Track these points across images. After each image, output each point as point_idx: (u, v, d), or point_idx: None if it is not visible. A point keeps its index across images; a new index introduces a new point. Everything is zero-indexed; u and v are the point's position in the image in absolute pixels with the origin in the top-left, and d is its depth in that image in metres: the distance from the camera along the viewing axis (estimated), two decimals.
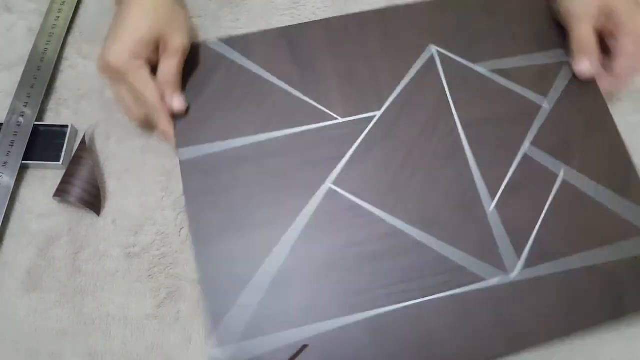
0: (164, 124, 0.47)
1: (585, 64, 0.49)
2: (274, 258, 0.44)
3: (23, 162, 0.49)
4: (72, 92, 0.55)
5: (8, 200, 0.48)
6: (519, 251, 0.45)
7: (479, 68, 0.52)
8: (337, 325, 0.43)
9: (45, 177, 0.50)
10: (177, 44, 0.46)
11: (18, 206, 0.49)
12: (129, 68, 0.45)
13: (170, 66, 0.47)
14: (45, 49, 0.57)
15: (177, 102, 0.47)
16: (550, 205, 0.47)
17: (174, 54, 0.47)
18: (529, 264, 0.45)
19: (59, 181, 0.48)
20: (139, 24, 0.45)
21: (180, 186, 0.49)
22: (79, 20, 0.61)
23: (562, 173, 0.48)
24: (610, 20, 0.48)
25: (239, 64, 0.51)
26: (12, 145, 0.50)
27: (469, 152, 0.48)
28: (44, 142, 0.51)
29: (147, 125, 0.50)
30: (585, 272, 0.44)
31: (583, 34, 0.49)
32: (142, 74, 0.46)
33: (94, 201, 0.48)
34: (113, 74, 0.46)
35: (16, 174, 0.49)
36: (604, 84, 0.51)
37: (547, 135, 0.49)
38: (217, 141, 0.48)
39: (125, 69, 0.45)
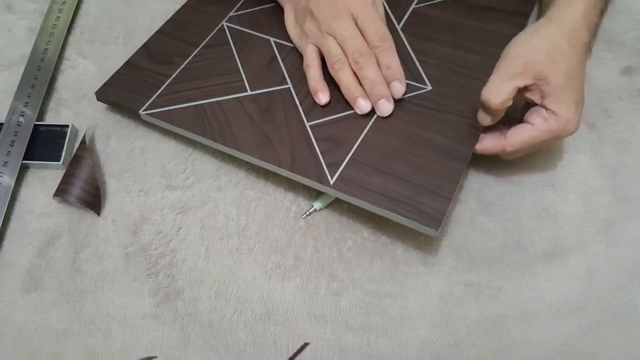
0: None
1: (487, 120, 0.46)
2: None
3: (23, 162, 0.49)
4: (73, 92, 0.56)
5: (8, 200, 0.48)
6: None
7: None
8: None
9: (46, 177, 0.50)
10: None
11: (18, 206, 0.49)
12: None
13: None
14: (46, 49, 0.57)
15: None
16: None
17: None
18: None
19: (59, 181, 0.49)
20: None
21: (180, 187, 0.49)
22: (80, 21, 0.61)
23: None
24: (541, 89, 0.44)
25: None
26: (13, 145, 0.50)
27: None
28: (44, 142, 0.51)
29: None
30: None
31: (505, 90, 0.44)
32: None
33: (94, 201, 0.48)
34: None
35: (16, 174, 0.49)
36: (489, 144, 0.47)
37: None
38: None
39: None
